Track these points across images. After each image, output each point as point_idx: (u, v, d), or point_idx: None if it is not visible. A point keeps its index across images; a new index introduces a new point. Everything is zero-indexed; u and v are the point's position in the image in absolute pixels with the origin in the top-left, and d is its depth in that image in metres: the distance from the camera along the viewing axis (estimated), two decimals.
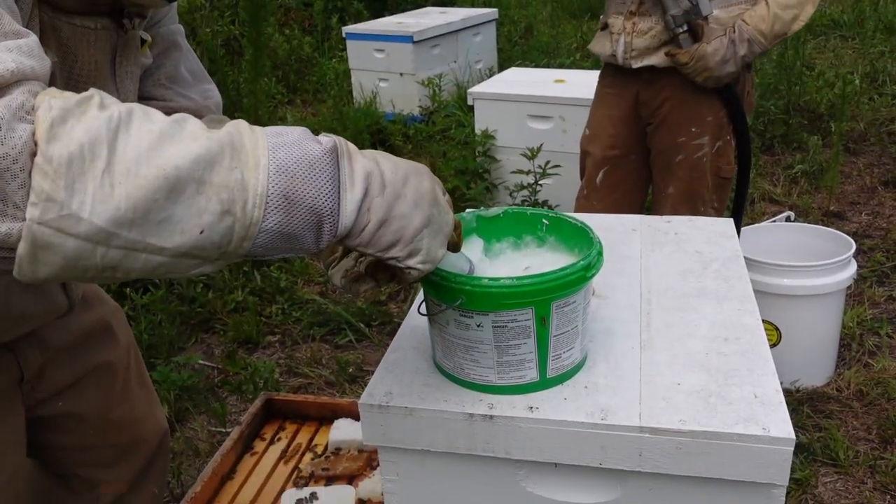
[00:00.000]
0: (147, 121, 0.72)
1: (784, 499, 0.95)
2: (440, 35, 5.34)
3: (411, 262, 0.83)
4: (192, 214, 0.72)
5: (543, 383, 1.02)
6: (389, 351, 1.14)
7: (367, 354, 2.96)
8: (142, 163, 0.69)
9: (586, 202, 2.57)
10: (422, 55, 5.22)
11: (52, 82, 0.91)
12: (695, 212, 2.42)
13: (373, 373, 2.99)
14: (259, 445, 1.78)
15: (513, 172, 3.70)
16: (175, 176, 0.70)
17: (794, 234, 2.79)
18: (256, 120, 4.55)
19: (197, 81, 1.32)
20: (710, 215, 2.43)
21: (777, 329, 2.52)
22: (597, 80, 2.56)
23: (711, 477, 0.94)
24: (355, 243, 0.81)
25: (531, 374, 1.01)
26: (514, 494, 1.03)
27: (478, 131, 3.87)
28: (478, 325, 0.97)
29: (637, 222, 1.49)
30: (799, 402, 2.54)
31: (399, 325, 3.14)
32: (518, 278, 0.94)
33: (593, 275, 0.99)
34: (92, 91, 0.73)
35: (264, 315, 3.22)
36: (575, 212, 2.29)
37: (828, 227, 2.92)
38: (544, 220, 1.14)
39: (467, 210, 1.15)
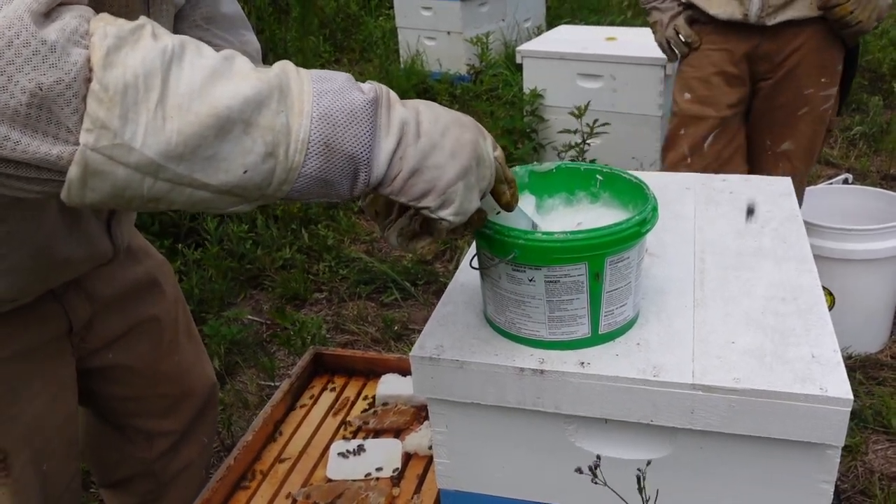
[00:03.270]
0: (199, 55, 0.72)
1: (839, 460, 0.94)
2: None
3: (443, 213, 0.83)
4: (237, 154, 0.73)
5: (595, 339, 1.01)
6: (440, 305, 1.14)
7: (413, 313, 2.99)
8: (194, 99, 0.70)
9: (686, 170, 2.38)
10: (469, 13, 5.14)
11: None
12: (809, 168, 2.34)
13: (418, 331, 3.01)
14: (308, 398, 1.81)
15: (560, 132, 3.65)
16: (226, 116, 0.71)
17: (851, 197, 2.71)
18: None
19: (235, 27, 1.31)
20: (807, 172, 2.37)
21: (831, 294, 2.47)
22: (652, 36, 2.47)
23: (765, 436, 0.93)
24: (387, 191, 0.81)
25: (583, 330, 1.00)
26: (563, 449, 1.04)
27: (526, 90, 3.82)
28: (530, 280, 0.97)
29: (691, 181, 1.46)
30: (851, 368, 2.49)
31: (445, 284, 3.16)
32: (572, 232, 0.93)
33: (648, 230, 0.97)
34: (143, 19, 0.73)
35: (312, 272, 3.26)
36: None
37: (887, 190, 2.82)
38: (598, 176, 1.12)
39: (519, 166, 1.14)
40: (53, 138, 0.67)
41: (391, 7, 5.65)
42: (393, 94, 0.83)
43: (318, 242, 3.38)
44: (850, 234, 2.40)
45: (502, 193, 0.92)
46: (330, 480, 1.55)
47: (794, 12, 2.15)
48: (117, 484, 1.56)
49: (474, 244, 1.04)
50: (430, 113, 0.83)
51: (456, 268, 3.18)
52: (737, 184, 1.44)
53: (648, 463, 0.87)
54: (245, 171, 0.73)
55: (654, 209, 0.99)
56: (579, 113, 3.29)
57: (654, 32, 2.48)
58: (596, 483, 0.84)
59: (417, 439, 1.61)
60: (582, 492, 1.06)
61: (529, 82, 3.80)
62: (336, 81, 0.79)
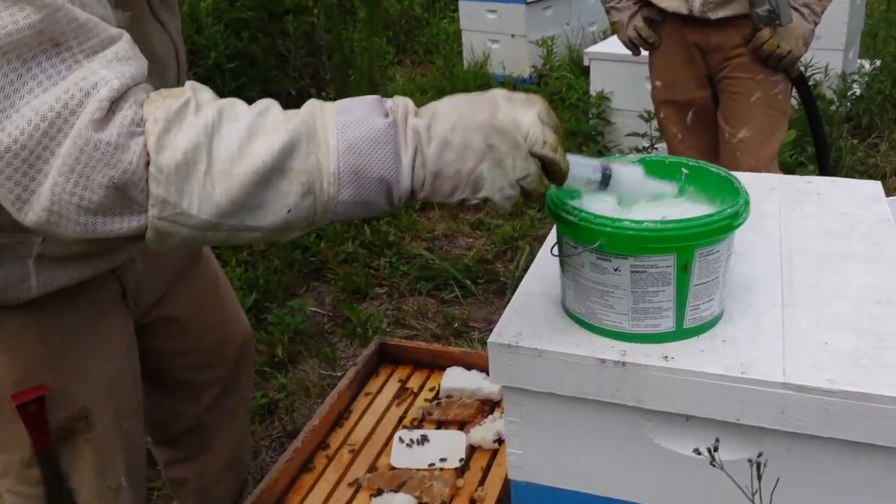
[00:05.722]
0: (234, 119, 0.84)
1: None
2: None
3: (481, 196, 0.89)
4: (279, 198, 0.84)
5: (679, 334, 0.99)
6: (517, 295, 1.13)
7: (473, 311, 2.98)
8: (234, 162, 0.82)
9: (683, 146, 2.59)
10: (534, 16, 5.12)
11: None
12: (771, 156, 2.44)
13: (478, 329, 2.97)
14: (372, 387, 1.82)
15: (627, 136, 3.60)
16: (263, 169, 0.83)
17: None
18: (370, 78, 4.60)
19: None
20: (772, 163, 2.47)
21: None
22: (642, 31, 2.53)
23: (859, 441, 0.89)
24: (422, 197, 0.89)
25: (667, 324, 0.98)
26: (641, 445, 1.02)
27: (592, 93, 3.78)
28: (615, 270, 0.95)
29: (776, 181, 1.42)
30: None
31: (505, 283, 3.14)
32: (662, 222, 0.92)
33: (740, 223, 0.95)
34: (188, 91, 0.85)
35: (373, 267, 3.28)
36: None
37: None
38: (684, 170, 1.10)
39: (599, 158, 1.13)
40: (130, 213, 0.83)
41: (455, 9, 5.66)
42: (410, 106, 0.89)
43: (379, 238, 3.40)
44: None
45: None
46: (393, 468, 1.55)
47: (732, 10, 2.29)
48: (170, 440, 1.59)
49: (554, 231, 1.03)
50: (444, 109, 0.89)
51: (517, 268, 3.16)
52: (823, 185, 1.39)
53: (760, 454, 0.84)
54: (289, 211, 0.85)
55: (747, 203, 0.97)
56: (649, 116, 3.24)
57: (616, 32, 2.63)
58: (714, 466, 0.82)
59: (482, 433, 1.61)
60: (658, 488, 1.04)
61: (596, 85, 3.77)
62: (358, 110, 0.87)
